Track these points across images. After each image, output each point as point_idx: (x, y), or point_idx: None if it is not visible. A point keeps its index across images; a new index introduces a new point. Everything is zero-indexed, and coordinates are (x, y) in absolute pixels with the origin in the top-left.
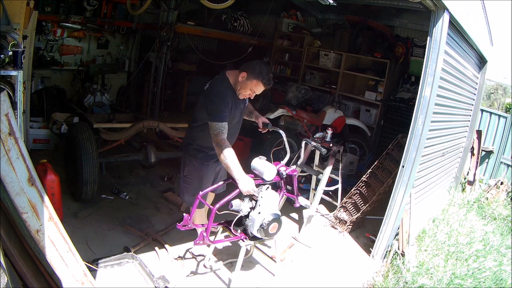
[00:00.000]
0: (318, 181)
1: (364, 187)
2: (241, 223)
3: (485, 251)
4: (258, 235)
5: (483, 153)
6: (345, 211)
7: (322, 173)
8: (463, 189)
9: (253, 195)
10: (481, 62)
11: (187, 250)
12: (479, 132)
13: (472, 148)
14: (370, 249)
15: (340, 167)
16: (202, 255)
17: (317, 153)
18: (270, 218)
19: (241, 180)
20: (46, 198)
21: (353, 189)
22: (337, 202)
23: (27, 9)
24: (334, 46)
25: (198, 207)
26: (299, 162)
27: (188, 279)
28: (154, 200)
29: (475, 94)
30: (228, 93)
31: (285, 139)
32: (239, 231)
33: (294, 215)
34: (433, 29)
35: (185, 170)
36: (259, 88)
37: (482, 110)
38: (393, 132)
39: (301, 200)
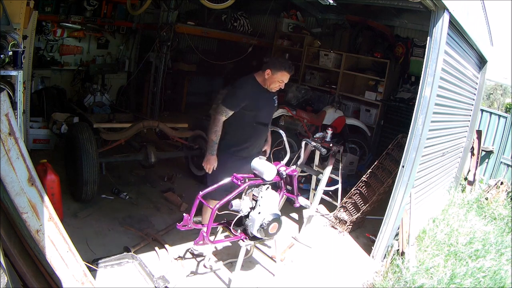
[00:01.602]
0: (318, 181)
1: (364, 187)
2: (241, 223)
3: (484, 251)
4: (258, 235)
5: (483, 153)
6: (345, 211)
7: (322, 173)
8: (463, 189)
9: (254, 195)
10: (481, 62)
11: (187, 250)
12: (479, 132)
13: (472, 148)
14: (370, 249)
15: (340, 167)
16: (202, 255)
17: (317, 153)
18: (270, 218)
19: (206, 156)
20: (46, 198)
21: (353, 189)
22: (337, 202)
23: (27, 9)
24: (334, 46)
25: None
26: (299, 162)
27: (188, 279)
28: (154, 200)
29: (475, 94)
30: (250, 86)
31: (285, 139)
32: (239, 231)
33: (294, 215)
34: (433, 29)
35: None
36: (285, 77)
37: (482, 110)
38: (393, 132)
39: (301, 200)
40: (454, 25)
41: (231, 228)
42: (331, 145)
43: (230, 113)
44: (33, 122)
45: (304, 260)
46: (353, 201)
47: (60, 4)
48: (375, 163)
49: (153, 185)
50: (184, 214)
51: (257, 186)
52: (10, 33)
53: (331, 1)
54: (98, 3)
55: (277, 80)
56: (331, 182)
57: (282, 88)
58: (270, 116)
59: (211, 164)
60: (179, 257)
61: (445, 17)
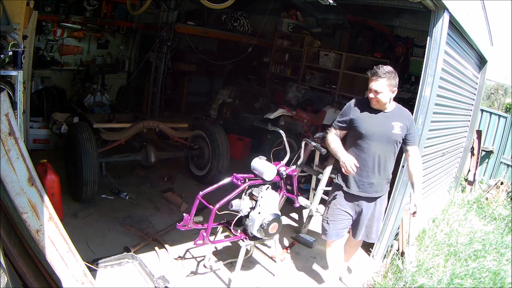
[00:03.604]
0: (318, 181)
1: None
2: (241, 223)
3: (484, 251)
4: (258, 235)
5: (483, 153)
6: None
7: (322, 173)
8: (463, 189)
9: (253, 195)
10: (481, 62)
11: (187, 250)
12: (479, 132)
13: (472, 148)
14: (370, 249)
15: None
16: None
17: (317, 153)
18: (270, 218)
19: (343, 158)
20: (46, 198)
21: None
22: None
23: (27, 9)
24: (334, 46)
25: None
26: (299, 162)
27: (188, 279)
28: (154, 200)
29: (475, 94)
30: (357, 103)
31: (285, 139)
32: (239, 231)
33: (294, 215)
34: (433, 29)
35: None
36: (370, 84)
37: (482, 110)
38: None
39: (301, 200)
40: (454, 25)
41: (231, 228)
42: None
43: (334, 131)
44: (33, 122)
45: (304, 260)
46: None
47: (60, 4)
48: None
49: (153, 185)
50: (184, 214)
51: (257, 186)
52: (10, 33)
53: (331, 1)
54: (98, 3)
55: (369, 89)
56: (331, 182)
57: (377, 99)
58: (383, 143)
59: (350, 161)
60: (179, 257)
61: (445, 17)
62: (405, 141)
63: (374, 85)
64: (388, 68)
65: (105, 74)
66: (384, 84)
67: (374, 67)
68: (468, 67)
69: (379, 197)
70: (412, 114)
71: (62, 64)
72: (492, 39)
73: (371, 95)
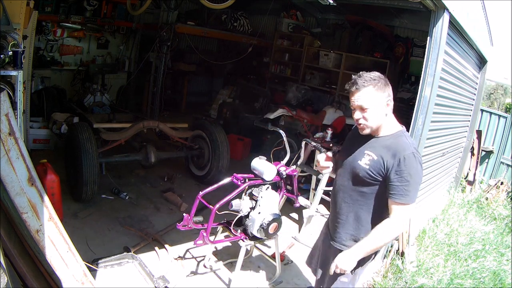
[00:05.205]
0: (318, 181)
1: None
2: (241, 223)
3: (484, 251)
4: (258, 235)
5: (483, 153)
6: None
7: (322, 173)
8: (463, 189)
9: (253, 195)
10: (481, 62)
11: (187, 250)
12: (479, 132)
13: (472, 148)
14: None
15: None
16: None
17: (317, 153)
18: (270, 218)
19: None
20: (46, 198)
21: None
22: None
23: (27, 9)
24: (334, 46)
25: None
26: (299, 162)
27: (188, 279)
28: (154, 200)
29: (475, 94)
30: (350, 132)
31: (285, 139)
32: (239, 231)
33: (294, 215)
34: (433, 29)
35: None
36: (351, 99)
37: (482, 110)
38: None
39: (301, 200)
40: (454, 25)
41: (231, 228)
42: (331, 145)
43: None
44: (33, 122)
45: (304, 260)
46: None
47: (60, 4)
48: None
49: (153, 185)
50: (184, 214)
51: (257, 186)
52: (10, 33)
53: (331, 1)
54: (98, 3)
55: (352, 109)
56: (331, 182)
57: (365, 120)
58: (345, 176)
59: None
60: (179, 257)
61: (445, 17)
62: (387, 190)
63: (356, 98)
64: (374, 73)
65: (105, 74)
66: (370, 94)
67: (352, 75)
68: (468, 67)
69: (337, 250)
70: (412, 114)
71: (62, 64)
72: (492, 39)
73: (356, 116)
